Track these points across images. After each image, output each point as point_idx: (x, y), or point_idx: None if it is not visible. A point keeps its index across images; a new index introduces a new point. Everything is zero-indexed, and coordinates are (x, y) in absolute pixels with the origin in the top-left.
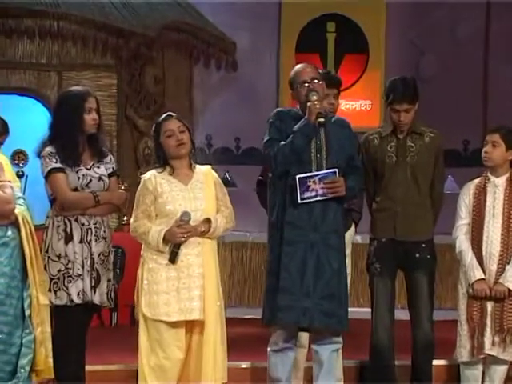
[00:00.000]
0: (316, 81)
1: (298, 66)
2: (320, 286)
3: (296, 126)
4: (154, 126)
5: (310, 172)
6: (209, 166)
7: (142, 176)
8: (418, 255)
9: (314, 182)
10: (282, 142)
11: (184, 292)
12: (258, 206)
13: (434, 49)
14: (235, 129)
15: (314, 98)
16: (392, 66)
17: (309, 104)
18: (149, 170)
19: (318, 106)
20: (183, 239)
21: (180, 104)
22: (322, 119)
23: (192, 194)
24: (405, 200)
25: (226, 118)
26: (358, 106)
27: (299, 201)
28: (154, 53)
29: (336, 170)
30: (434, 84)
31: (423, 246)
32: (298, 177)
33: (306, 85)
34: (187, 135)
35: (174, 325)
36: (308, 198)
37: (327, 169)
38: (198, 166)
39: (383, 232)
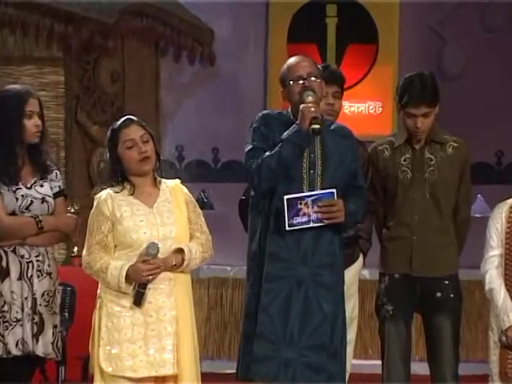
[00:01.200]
0: (314, 78)
1: (292, 59)
2: (307, 333)
3: (285, 133)
4: (109, 133)
5: (301, 192)
6: (177, 181)
7: (96, 196)
8: (439, 294)
9: (305, 204)
10: (268, 153)
11: (153, 341)
12: (242, 232)
13: (460, 38)
14: (213, 137)
15: (310, 98)
16: (407, 59)
17: (302, 106)
18: (103, 189)
19: (312, 109)
20: (150, 277)
21: (144, 106)
22: (317, 126)
23: (159, 218)
24: (423, 226)
25: (201, 123)
26: (364, 109)
27: (287, 227)
28: (112, 43)
29: (334, 190)
30: (460, 82)
31: (446, 282)
32: (286, 197)
33: (301, 82)
34: (151, 146)
35: (140, 381)
36: (298, 224)
37: (322, 188)
38: (163, 181)
39: (396, 266)
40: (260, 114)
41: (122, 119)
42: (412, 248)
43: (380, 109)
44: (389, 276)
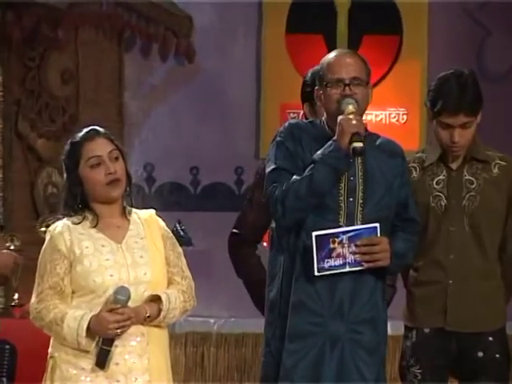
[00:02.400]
0: (357, 82)
1: (334, 54)
2: None
3: (318, 152)
4: (67, 147)
5: (336, 226)
6: (151, 211)
7: (50, 229)
8: (481, 354)
9: (340, 243)
10: (295, 177)
11: None
12: (231, 275)
13: (507, 27)
14: (191, 154)
15: (350, 108)
16: (439, 53)
17: (340, 118)
18: (57, 220)
19: (354, 123)
20: (118, 331)
21: (103, 114)
22: (359, 144)
23: (130, 257)
24: (461, 267)
25: (176, 136)
26: (385, 118)
27: (315, 272)
28: (62, 34)
29: (377, 225)
30: (507, 83)
31: (490, 339)
32: (314, 234)
33: (341, 88)
34: (122, 165)
35: None
36: (330, 268)
37: (364, 222)
38: (134, 211)
39: (427, 318)
40: (286, 124)
41: (85, 130)
42: (447, 295)
43: (404, 117)
44: (417, 331)
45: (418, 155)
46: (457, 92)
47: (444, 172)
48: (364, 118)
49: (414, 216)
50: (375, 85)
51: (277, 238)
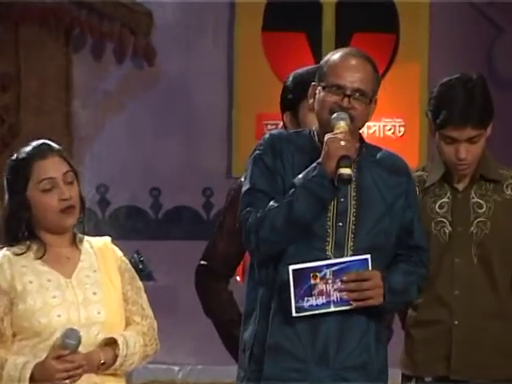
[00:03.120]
0: (360, 96)
1: (343, 52)
2: None
3: (300, 176)
4: (11, 163)
5: (323, 256)
6: (106, 239)
7: None
8: None
9: (323, 278)
10: (273, 203)
11: None
12: (199, 314)
13: None
14: (151, 172)
15: (341, 124)
16: (443, 55)
17: (328, 137)
18: None
19: (342, 144)
20: (67, 382)
21: (48, 125)
22: (346, 170)
23: (81, 294)
24: (468, 305)
25: (134, 151)
26: (379, 130)
27: (293, 313)
28: (0, 32)
29: (367, 257)
30: None
31: None
32: (291, 268)
33: (338, 96)
34: (77, 190)
35: None
36: (311, 308)
37: (354, 252)
38: (87, 240)
39: (428, 365)
40: (267, 136)
41: (35, 145)
42: (451, 338)
43: (402, 129)
44: (416, 379)
45: (417, 174)
46: (463, 100)
47: (448, 194)
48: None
49: (421, 243)
50: None
51: (255, 268)
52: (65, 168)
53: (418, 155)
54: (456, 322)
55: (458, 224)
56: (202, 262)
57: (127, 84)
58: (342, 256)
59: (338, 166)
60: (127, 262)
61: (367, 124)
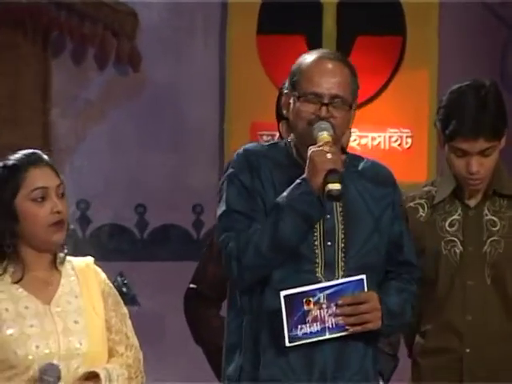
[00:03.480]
0: (339, 103)
1: (315, 56)
2: None
3: (284, 194)
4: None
5: (313, 279)
6: (89, 260)
7: None
8: None
9: (317, 303)
10: (255, 226)
11: None
12: (188, 342)
13: None
14: (136, 188)
15: (325, 136)
16: (453, 59)
17: (312, 150)
18: None
19: (329, 157)
20: None
21: (24, 136)
22: (336, 186)
23: (61, 322)
24: (481, 331)
25: (118, 165)
26: (384, 141)
27: (287, 342)
28: None
29: (363, 277)
30: None
31: None
32: (283, 294)
33: (316, 105)
34: (66, 205)
35: None
36: (305, 336)
37: (347, 273)
38: (68, 260)
39: None
40: (240, 151)
41: (26, 152)
42: (462, 367)
43: (409, 141)
44: None
45: (425, 189)
46: (475, 109)
47: (459, 211)
48: (357, 141)
49: (411, 258)
50: (372, 99)
51: (236, 296)
52: (57, 180)
53: (427, 169)
54: (468, 350)
55: (469, 243)
56: (192, 286)
57: (110, 92)
58: (333, 278)
59: (326, 182)
60: (111, 285)
61: (371, 135)
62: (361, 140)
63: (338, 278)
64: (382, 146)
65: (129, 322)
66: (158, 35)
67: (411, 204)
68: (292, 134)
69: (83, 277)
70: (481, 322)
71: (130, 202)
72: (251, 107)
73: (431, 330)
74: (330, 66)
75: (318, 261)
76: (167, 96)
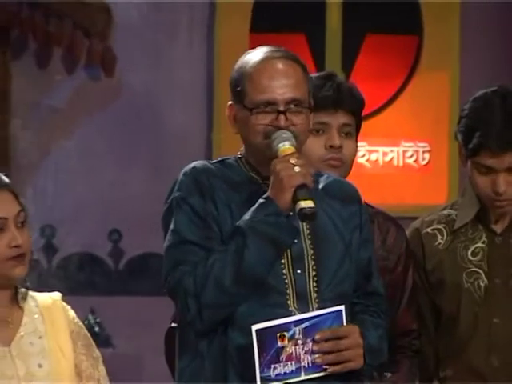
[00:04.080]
0: (297, 107)
1: (259, 56)
2: None
3: (246, 217)
4: None
5: (285, 313)
6: (56, 296)
7: None
8: None
9: (292, 339)
10: (215, 256)
11: None
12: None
13: None
14: (110, 210)
15: (287, 147)
16: (477, 62)
17: (276, 165)
18: None
19: (297, 170)
20: None
21: None
22: (308, 202)
23: (23, 365)
24: (508, 377)
25: (89, 184)
26: (397, 157)
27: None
28: None
29: (342, 308)
30: None
31: None
32: (255, 328)
33: (271, 114)
34: (28, 234)
35: None
36: (278, 377)
37: (321, 304)
38: (31, 296)
39: None
40: (186, 170)
41: None
42: None
43: (426, 156)
44: None
45: (444, 212)
46: (501, 120)
47: (484, 237)
48: (366, 156)
49: (379, 289)
50: (383, 107)
51: (189, 338)
52: (17, 207)
53: (447, 189)
54: None
55: (496, 275)
56: (173, 325)
57: (80, 99)
58: (307, 310)
59: (296, 199)
60: (81, 325)
61: (382, 150)
62: (370, 155)
63: (312, 310)
64: (395, 163)
65: (102, 367)
66: (136, 34)
67: (428, 230)
68: (242, 149)
69: (49, 315)
70: (509, 367)
71: (103, 228)
72: None
73: (452, 376)
74: (279, 65)
75: (288, 292)
76: (146, 104)
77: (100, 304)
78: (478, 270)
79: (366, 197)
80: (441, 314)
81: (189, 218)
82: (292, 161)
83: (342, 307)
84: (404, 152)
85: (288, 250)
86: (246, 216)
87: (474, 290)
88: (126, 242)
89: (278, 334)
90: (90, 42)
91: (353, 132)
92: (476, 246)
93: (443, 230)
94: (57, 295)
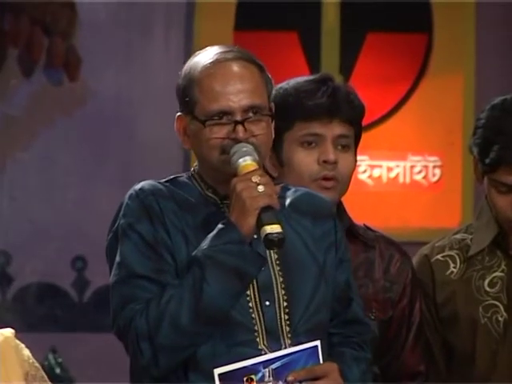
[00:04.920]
0: (256, 115)
1: (209, 58)
2: None
3: (204, 245)
4: None
5: (254, 352)
6: (8, 332)
7: None
8: None
9: (260, 381)
10: (170, 291)
11: None
12: None
13: None
14: (74, 234)
15: (248, 163)
16: (495, 63)
17: (237, 184)
18: None
19: (261, 190)
20: None
21: None
22: (275, 228)
23: None
24: None
25: (49, 204)
26: (404, 173)
27: None
28: None
29: (317, 343)
30: None
31: None
32: (217, 372)
33: (224, 129)
34: None
35: None
36: None
37: (295, 340)
38: None
39: None
40: (132, 193)
41: None
42: None
43: (437, 172)
44: None
45: (458, 237)
46: None
47: (503, 265)
48: (367, 172)
49: (360, 315)
50: (388, 115)
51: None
52: None
53: (461, 210)
54: None
55: None
56: None
57: (39, 106)
58: (279, 347)
59: (261, 224)
60: (38, 365)
61: (387, 164)
62: (372, 171)
63: (285, 348)
64: (402, 179)
65: None
66: (104, 32)
67: (439, 257)
68: (196, 164)
69: (0, 355)
70: None
71: (66, 255)
72: None
73: None
74: (233, 68)
75: (256, 328)
76: (115, 111)
77: (62, 342)
78: (497, 302)
79: (367, 218)
80: (453, 352)
81: (137, 248)
82: (254, 179)
83: (318, 342)
84: (411, 167)
85: (254, 280)
86: (204, 244)
87: (491, 326)
88: (92, 271)
89: (245, 378)
90: (50, 41)
91: (351, 144)
92: (494, 275)
93: (456, 256)
94: (8, 331)
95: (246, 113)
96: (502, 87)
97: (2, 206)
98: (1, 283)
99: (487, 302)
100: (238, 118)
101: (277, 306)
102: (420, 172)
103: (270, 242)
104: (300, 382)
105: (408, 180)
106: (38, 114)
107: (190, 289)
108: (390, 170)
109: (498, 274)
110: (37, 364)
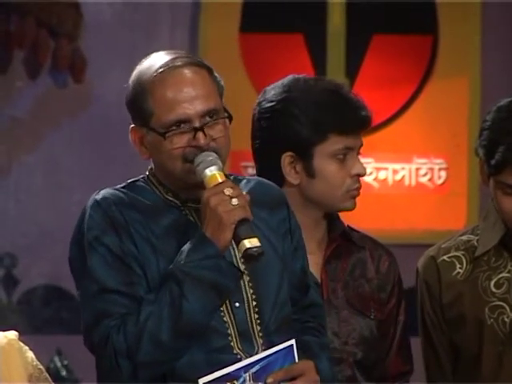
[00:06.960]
0: (213, 118)
1: (154, 69)
2: None
3: (180, 260)
4: None
5: (231, 358)
6: (11, 335)
7: None
8: None
9: None
10: (147, 307)
11: None
12: None
13: None
14: None
15: (215, 173)
16: (501, 66)
17: (209, 198)
18: None
19: (235, 203)
20: None
21: None
22: (253, 242)
23: None
24: None
25: (55, 206)
26: (409, 175)
27: None
28: None
29: (292, 342)
30: None
31: None
32: (202, 382)
33: (184, 138)
34: None
35: None
36: None
37: (267, 339)
38: None
39: None
40: (92, 202)
41: None
42: None
43: (443, 174)
44: None
45: (464, 238)
46: None
47: (509, 266)
48: (373, 174)
49: (316, 299)
50: (392, 118)
51: None
52: None
53: (467, 212)
54: None
55: None
56: None
57: (44, 108)
58: (253, 349)
59: (239, 238)
60: (42, 368)
61: (392, 167)
62: (378, 174)
63: (258, 348)
64: (407, 182)
65: None
66: (109, 35)
67: (445, 258)
68: (151, 167)
69: (4, 357)
70: None
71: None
72: (231, 130)
73: None
74: (184, 75)
75: (229, 331)
76: (120, 115)
77: (68, 344)
78: (503, 303)
79: (373, 221)
80: (459, 353)
81: (106, 261)
82: (227, 192)
83: (293, 341)
84: (417, 170)
85: None
86: (180, 259)
87: (497, 327)
88: None
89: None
90: (56, 43)
91: (356, 150)
92: (500, 276)
93: (462, 257)
94: (12, 334)
95: (203, 118)
96: (508, 89)
97: (8, 208)
98: (7, 285)
99: (493, 303)
100: (197, 124)
101: (246, 306)
102: (425, 174)
103: (249, 256)
104: (279, 382)
105: (413, 182)
106: (44, 116)
107: (169, 306)
108: (395, 172)
109: (504, 274)
110: (40, 366)
